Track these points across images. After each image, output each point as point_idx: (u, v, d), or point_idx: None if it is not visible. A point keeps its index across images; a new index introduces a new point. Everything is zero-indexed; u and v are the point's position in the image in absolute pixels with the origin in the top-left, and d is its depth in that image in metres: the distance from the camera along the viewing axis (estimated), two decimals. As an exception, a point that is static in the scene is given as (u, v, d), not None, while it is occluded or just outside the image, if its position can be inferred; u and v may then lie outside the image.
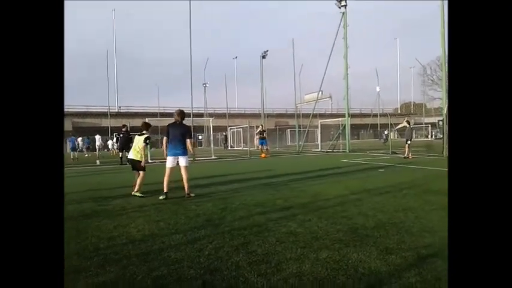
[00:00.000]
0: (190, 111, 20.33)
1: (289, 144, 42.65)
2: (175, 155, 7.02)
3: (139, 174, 7.45)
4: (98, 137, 30.45)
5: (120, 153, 17.37)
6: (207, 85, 47.28)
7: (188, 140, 7.07)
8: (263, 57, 37.85)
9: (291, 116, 45.57)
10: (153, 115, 41.31)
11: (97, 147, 28.98)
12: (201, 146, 46.08)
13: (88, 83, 74.26)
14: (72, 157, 23.08)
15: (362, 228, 4.24)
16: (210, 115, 43.09)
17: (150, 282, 2.84)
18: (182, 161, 7.05)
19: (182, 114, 7.17)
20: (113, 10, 55.59)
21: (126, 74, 78.18)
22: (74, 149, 24.33)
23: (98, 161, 20.47)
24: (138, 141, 7.53)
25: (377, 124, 58.54)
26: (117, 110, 51.07)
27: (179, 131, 7.03)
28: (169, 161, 7.05)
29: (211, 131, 26.10)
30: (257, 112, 49.29)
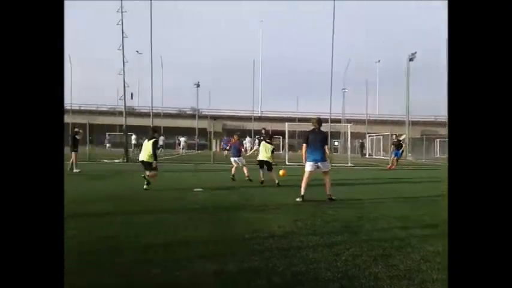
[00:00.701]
0: (328, 117, 20.35)
1: (438, 156, 38.09)
2: (316, 161, 7.27)
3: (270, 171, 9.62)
4: (248, 139, 33.50)
5: None
6: (346, 90, 46.33)
7: (326, 146, 7.41)
8: (410, 59, 34.95)
9: (441, 124, 40.61)
10: (292, 120, 42.93)
11: (248, 148, 32.04)
12: (337, 152, 45.46)
13: (236, 89, 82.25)
14: (225, 155, 26.17)
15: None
16: (348, 121, 42.12)
17: (289, 276, 3.02)
18: (323, 166, 7.30)
19: (320, 121, 7.57)
20: (260, 21, 60.02)
21: (268, 80, 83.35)
22: (225, 148, 27.66)
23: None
24: (266, 147, 9.78)
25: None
26: (259, 114, 55.03)
27: (319, 137, 7.36)
28: (310, 166, 7.31)
29: (349, 138, 25.50)
30: (400, 119, 45.73)
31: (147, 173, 8.40)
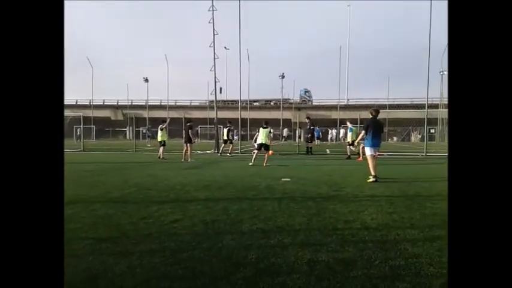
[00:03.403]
0: (425, 102, 18.75)
1: None
2: (378, 146, 8.74)
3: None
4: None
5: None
6: (445, 73, 41.96)
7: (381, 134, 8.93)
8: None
9: None
10: (382, 107, 40.49)
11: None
12: (434, 140, 41.69)
13: (321, 78, 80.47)
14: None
15: None
16: (447, 106, 38.19)
17: (387, 269, 2.92)
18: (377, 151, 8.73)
19: (378, 111, 8.96)
20: (348, 6, 57.30)
21: (356, 67, 79.39)
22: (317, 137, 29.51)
23: (327, 150, 22.13)
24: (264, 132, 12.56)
25: None
26: (345, 103, 53.14)
27: (379, 126, 8.76)
28: (372, 150, 8.54)
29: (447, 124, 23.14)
30: None
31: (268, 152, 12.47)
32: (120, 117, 55.88)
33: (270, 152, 13.24)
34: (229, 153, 17.52)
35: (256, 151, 12.72)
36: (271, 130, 13.29)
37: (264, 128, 12.71)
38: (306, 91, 55.67)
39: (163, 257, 3.25)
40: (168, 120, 17.06)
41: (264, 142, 12.54)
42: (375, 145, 8.54)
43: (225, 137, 17.89)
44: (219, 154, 17.75)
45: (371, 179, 8.14)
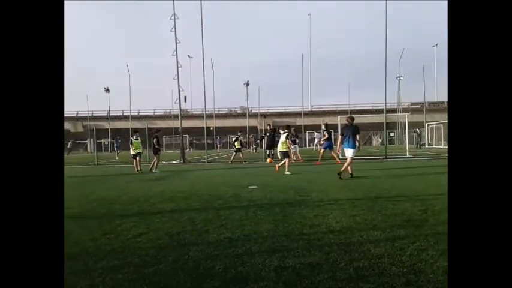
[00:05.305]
0: (384, 107, 19.55)
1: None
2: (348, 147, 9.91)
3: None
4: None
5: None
6: (402, 78, 44.06)
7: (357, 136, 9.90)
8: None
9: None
10: (344, 113, 41.75)
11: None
12: (393, 143, 43.49)
13: (285, 85, 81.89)
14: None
15: None
16: (405, 110, 40.13)
17: (351, 271, 2.99)
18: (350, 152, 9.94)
19: (352, 119, 10.10)
20: (308, 15, 59.05)
21: (318, 75, 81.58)
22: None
23: (293, 156, 22.41)
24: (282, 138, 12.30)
25: None
26: (309, 109, 54.31)
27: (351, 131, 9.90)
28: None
29: (407, 128, 24.29)
30: (463, 105, 42.32)
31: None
32: (80, 129, 53.69)
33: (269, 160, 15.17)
34: (244, 161, 17.85)
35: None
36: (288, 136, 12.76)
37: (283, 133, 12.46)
38: None
39: (127, 272, 3.14)
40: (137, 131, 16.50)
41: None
42: (345, 147, 9.94)
43: (238, 146, 18.43)
44: (229, 162, 17.85)
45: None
